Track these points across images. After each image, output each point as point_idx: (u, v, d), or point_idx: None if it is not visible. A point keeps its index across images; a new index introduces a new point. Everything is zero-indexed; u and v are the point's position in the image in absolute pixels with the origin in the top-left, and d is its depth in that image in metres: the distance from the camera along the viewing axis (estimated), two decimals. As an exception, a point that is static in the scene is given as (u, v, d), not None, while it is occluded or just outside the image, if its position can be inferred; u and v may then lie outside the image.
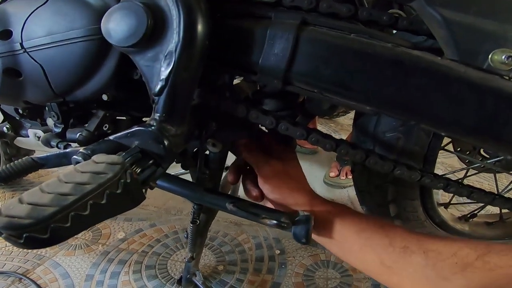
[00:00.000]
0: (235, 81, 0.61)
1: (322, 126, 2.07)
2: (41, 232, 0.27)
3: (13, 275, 0.91)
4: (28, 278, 0.91)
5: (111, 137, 0.40)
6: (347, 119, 2.04)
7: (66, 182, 0.31)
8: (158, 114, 0.39)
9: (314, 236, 0.49)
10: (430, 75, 0.36)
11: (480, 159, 0.79)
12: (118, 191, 0.32)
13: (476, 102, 0.36)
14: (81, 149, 0.38)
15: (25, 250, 1.01)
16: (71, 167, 0.34)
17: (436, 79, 0.36)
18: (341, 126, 2.04)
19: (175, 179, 0.54)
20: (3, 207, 0.28)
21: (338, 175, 1.45)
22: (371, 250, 0.45)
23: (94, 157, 0.34)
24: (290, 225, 0.43)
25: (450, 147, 0.75)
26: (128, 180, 0.33)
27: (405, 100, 0.37)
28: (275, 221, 0.42)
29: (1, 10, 0.49)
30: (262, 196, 0.54)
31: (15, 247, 1.01)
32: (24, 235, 0.26)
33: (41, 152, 0.52)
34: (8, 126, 0.72)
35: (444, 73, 0.36)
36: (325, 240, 0.50)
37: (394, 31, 0.47)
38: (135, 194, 0.35)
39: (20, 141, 0.77)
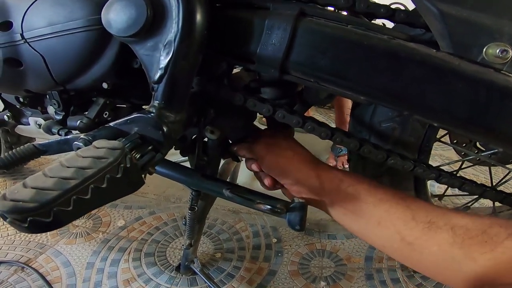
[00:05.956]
0: (235, 70, 0.61)
1: (321, 116, 2.08)
2: (44, 215, 0.28)
3: (15, 264, 0.92)
4: (30, 267, 0.92)
5: (111, 124, 0.41)
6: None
7: (68, 167, 0.32)
8: (157, 101, 0.40)
9: (324, 209, 0.45)
10: (425, 67, 0.37)
11: (475, 151, 0.79)
12: (118, 176, 0.33)
13: (469, 94, 0.37)
14: (82, 135, 0.39)
15: (26, 239, 1.02)
16: (73, 153, 0.35)
17: (430, 71, 0.37)
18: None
19: (174, 165, 0.55)
20: (8, 191, 0.29)
21: (335, 165, 1.46)
22: (390, 224, 0.41)
23: (95, 143, 0.35)
24: (284, 211, 0.44)
25: (446, 139, 0.76)
26: (128, 165, 0.34)
27: (400, 91, 0.38)
28: (269, 206, 0.43)
29: (1, 2, 0.50)
30: (274, 182, 0.52)
31: (17, 236, 1.03)
32: (29, 219, 0.27)
33: (42, 140, 0.53)
34: (8, 114, 0.73)
35: (439, 65, 0.37)
36: (337, 214, 0.45)
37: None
38: (135, 178, 0.36)
39: (21, 129, 0.77)
